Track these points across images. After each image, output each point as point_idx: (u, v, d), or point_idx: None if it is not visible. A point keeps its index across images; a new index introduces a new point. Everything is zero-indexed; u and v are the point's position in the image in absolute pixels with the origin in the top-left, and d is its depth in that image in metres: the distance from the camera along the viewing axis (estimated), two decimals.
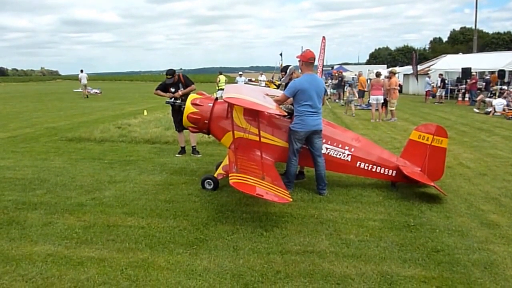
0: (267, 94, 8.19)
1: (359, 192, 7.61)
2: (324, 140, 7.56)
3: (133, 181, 8.37)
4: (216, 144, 11.63)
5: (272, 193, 5.88)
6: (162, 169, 9.37)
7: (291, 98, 7.37)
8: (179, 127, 10.49)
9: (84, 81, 36.99)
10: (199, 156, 10.90)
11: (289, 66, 8.49)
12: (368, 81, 32.14)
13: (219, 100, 8.10)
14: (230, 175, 6.23)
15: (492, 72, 28.86)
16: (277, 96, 7.86)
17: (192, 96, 8.20)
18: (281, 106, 7.58)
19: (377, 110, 19.29)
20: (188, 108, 7.98)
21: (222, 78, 27.55)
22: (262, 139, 7.09)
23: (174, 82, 10.54)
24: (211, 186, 7.57)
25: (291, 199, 6.00)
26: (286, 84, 8.05)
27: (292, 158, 7.46)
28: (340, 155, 7.65)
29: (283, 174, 7.76)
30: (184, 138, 11.05)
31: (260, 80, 38.23)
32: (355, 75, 47.25)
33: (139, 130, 14.40)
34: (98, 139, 13.31)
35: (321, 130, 7.40)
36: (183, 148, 11.02)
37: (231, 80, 35.82)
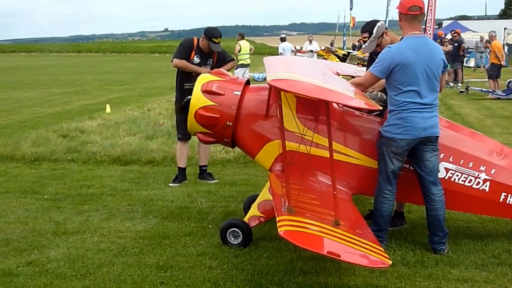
0: (337, 73, 8.17)
1: (506, 247, 7.57)
2: (442, 155, 7.50)
3: (98, 231, 8.42)
4: (241, 163, 11.65)
5: (357, 251, 5.85)
6: (147, 209, 9.43)
7: (383, 80, 7.35)
8: (185, 133, 10.37)
9: None
10: (212, 182, 10.89)
11: (376, 22, 8.37)
12: (505, 48, 31.97)
13: (252, 86, 8.10)
14: (278, 218, 6.19)
15: None
16: (358, 76, 7.82)
17: (204, 78, 8.08)
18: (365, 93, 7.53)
19: None
20: (198, 99, 7.82)
21: (244, 45, 27.38)
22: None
23: (205, 52, 10.61)
24: (239, 240, 7.58)
25: (390, 262, 5.95)
26: (372, 56, 8.02)
27: (385, 187, 7.39)
28: (471, 181, 7.58)
29: (368, 215, 7.73)
30: (188, 152, 11.13)
31: (312, 51, 37.91)
32: (478, 38, 47.10)
33: (100, 141, 14.62)
34: (30, 156, 13.49)
35: (436, 137, 7.34)
36: (182, 171, 11.05)
37: (260, 50, 35.58)
